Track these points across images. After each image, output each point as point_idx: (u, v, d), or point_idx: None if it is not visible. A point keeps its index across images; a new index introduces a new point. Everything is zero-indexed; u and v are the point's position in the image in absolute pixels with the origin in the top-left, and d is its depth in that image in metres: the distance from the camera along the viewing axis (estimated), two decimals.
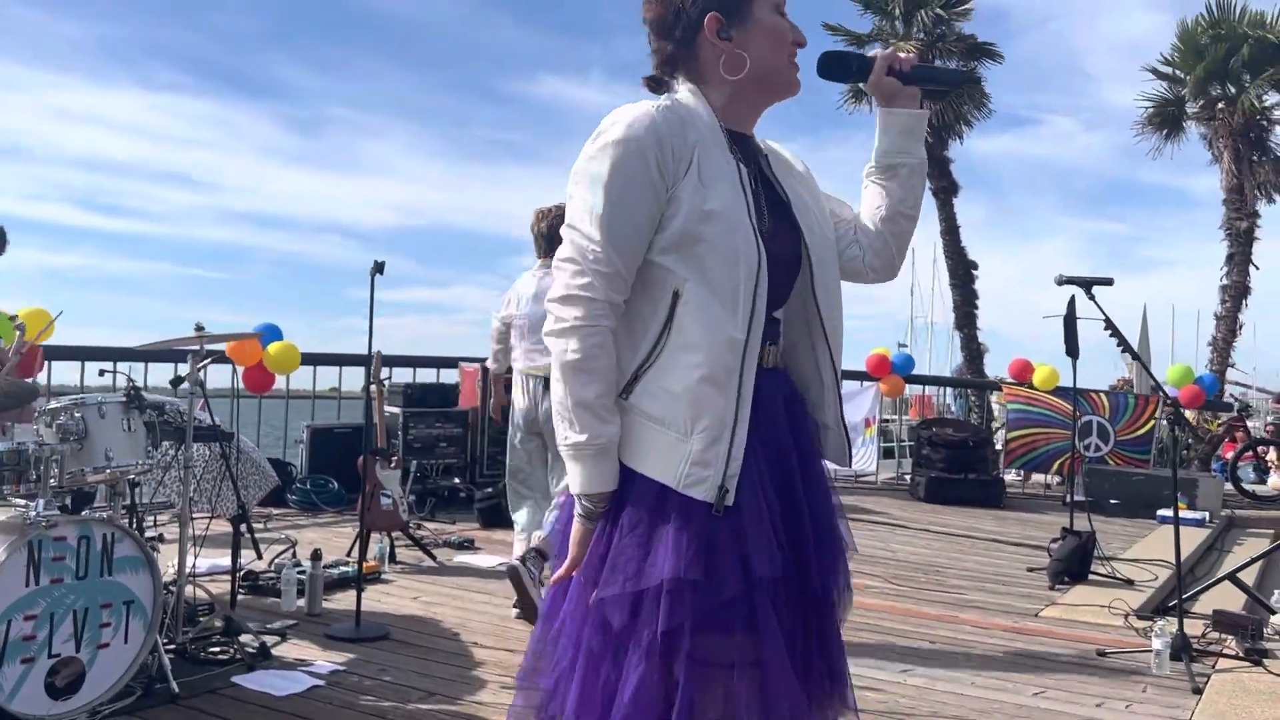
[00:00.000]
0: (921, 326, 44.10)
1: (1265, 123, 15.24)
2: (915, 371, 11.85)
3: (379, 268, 4.19)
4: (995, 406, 13.99)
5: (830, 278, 1.72)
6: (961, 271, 15.88)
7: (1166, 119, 16.13)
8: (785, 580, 1.54)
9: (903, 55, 1.72)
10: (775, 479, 1.59)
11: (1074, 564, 5.69)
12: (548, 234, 4.41)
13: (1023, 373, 10.51)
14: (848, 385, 9.90)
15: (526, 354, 4.51)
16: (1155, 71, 16.31)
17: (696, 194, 1.53)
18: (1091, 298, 4.38)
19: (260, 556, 5.05)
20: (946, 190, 15.99)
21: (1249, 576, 5.98)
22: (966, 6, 15.72)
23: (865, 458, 10.28)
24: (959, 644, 4.30)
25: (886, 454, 12.09)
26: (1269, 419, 17.49)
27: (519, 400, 4.51)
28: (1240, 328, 15.38)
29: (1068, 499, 6.89)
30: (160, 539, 3.91)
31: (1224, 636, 4.39)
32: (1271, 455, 12.67)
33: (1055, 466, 10.20)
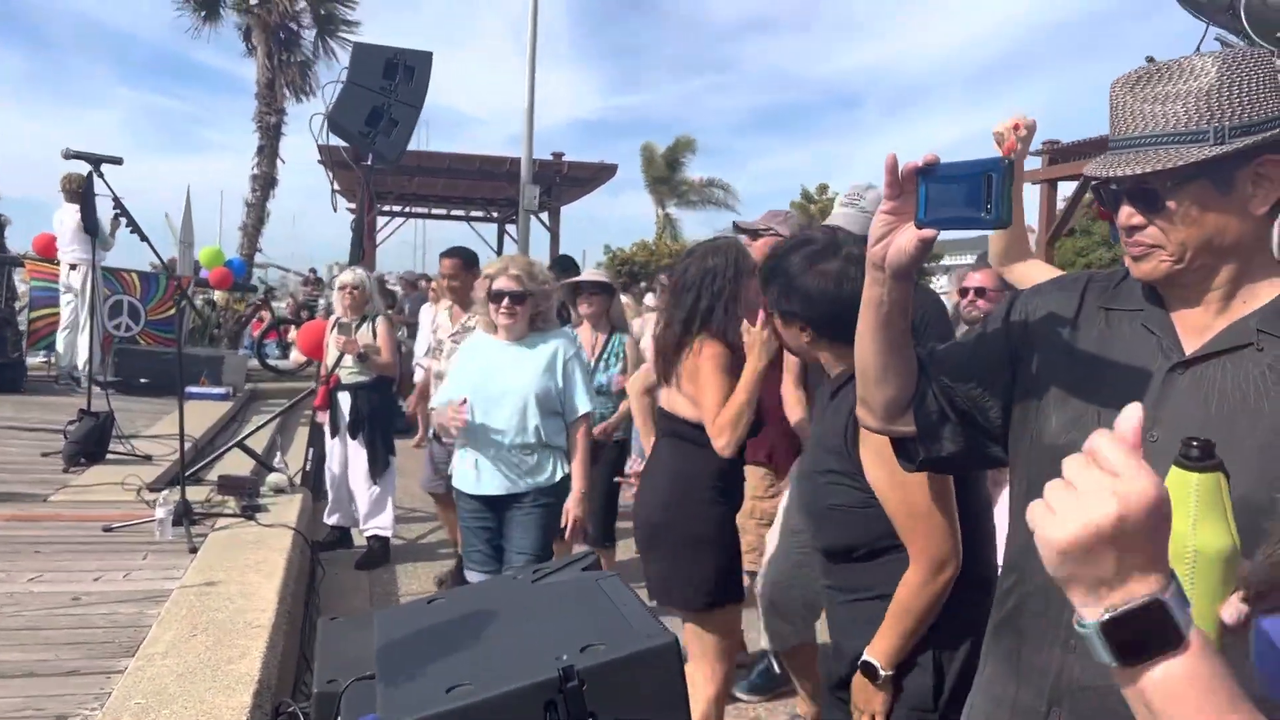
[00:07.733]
0: None
1: (296, 26, 16.48)
2: None
3: None
4: (19, 284, 12.86)
5: None
6: None
7: (205, 2, 16.32)
8: None
9: None
10: None
11: (91, 444, 5.62)
12: None
13: (49, 249, 9.92)
14: None
15: None
16: None
17: None
18: (100, 175, 4.26)
19: None
20: None
21: (263, 441, 6.66)
22: None
23: None
24: None
25: None
26: (300, 299, 19.32)
27: None
28: (268, 216, 16.59)
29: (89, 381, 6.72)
30: None
31: (226, 498, 4.82)
32: (292, 333, 14.07)
33: None
